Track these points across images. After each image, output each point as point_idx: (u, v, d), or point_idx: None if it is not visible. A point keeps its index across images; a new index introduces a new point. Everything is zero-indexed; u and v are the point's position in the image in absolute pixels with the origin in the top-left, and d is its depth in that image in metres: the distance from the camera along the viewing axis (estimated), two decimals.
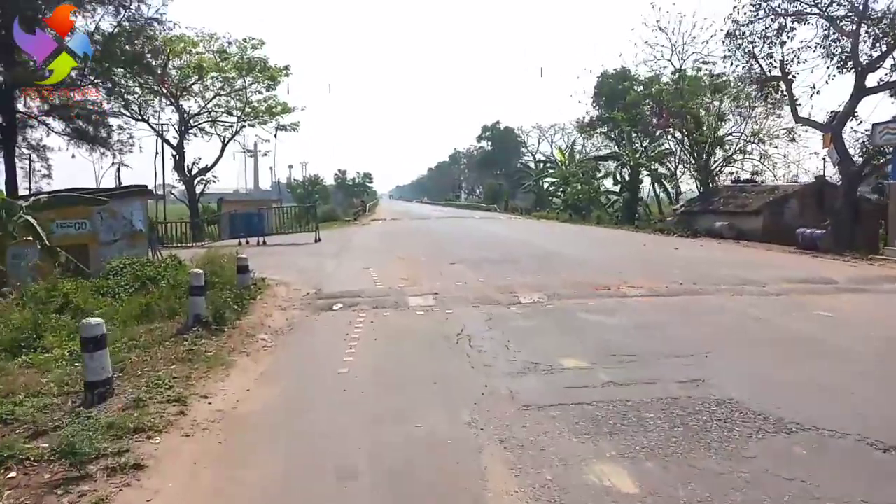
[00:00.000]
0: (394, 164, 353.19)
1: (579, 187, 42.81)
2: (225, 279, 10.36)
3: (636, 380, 6.18)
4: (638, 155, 37.42)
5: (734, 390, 5.79)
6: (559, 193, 51.01)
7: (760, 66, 22.80)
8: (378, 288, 11.62)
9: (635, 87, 61.14)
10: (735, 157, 32.14)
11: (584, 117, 65.76)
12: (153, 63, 28.99)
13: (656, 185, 37.78)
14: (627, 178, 37.40)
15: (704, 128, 31.38)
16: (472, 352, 7.33)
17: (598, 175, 45.91)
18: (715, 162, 32.32)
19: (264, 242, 24.15)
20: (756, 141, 31.26)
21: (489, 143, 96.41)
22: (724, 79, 30.18)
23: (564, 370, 6.58)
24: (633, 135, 39.82)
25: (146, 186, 15.35)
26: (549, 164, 55.82)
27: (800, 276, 12.82)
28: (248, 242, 24.46)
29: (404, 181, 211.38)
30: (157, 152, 41.43)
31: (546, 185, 56.53)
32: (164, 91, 34.36)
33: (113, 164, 37.47)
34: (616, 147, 50.75)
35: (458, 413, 5.38)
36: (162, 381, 6.11)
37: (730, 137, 31.79)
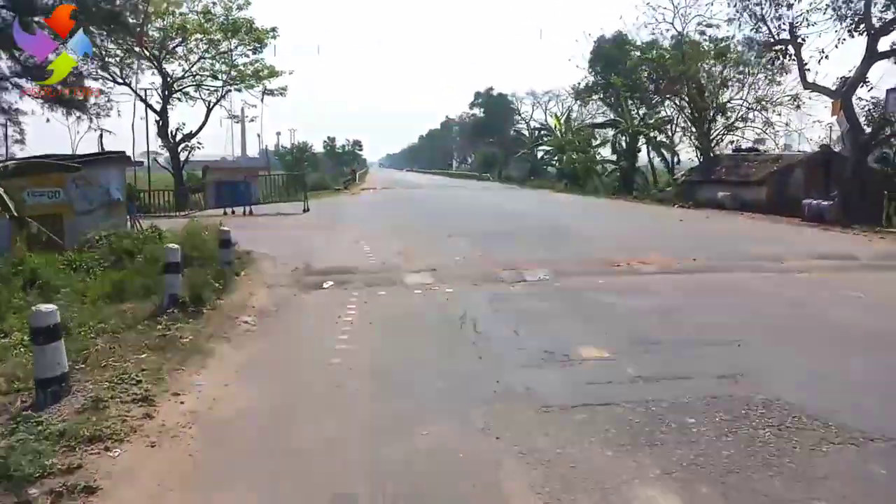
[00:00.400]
0: (384, 132, 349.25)
1: (575, 156, 41.88)
2: (206, 254, 9.52)
3: (667, 374, 5.47)
4: (636, 122, 36.47)
5: (780, 387, 5.09)
6: (554, 162, 50.10)
7: (769, 28, 21.86)
8: (371, 263, 10.84)
9: (633, 53, 60.10)
10: (737, 124, 31.22)
11: (579, 83, 64.87)
12: (132, 22, 27.49)
13: (654, 153, 36.89)
14: (625, 146, 36.53)
15: (706, 94, 30.41)
16: (479, 339, 6.60)
17: (594, 143, 44.90)
18: (716, 130, 31.44)
19: (251, 212, 23.23)
20: (759, 108, 30.34)
21: (482, 110, 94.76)
22: (727, 43, 29.22)
23: (584, 361, 5.87)
24: (631, 102, 38.78)
25: (124, 153, 14.38)
26: (544, 132, 54.69)
27: (818, 251, 12.14)
28: (233, 213, 23.52)
29: (395, 149, 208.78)
30: (141, 118, 39.89)
31: (540, 154, 55.54)
32: (144, 52, 32.81)
33: (90, 128, 35.67)
34: (613, 114, 49.84)
35: (469, 417, 4.65)
36: (128, 374, 5.33)
37: (731, 105, 30.82)
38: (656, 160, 37.61)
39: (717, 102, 30.65)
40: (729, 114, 31.30)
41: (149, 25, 34.90)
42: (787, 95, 27.79)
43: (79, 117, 28.11)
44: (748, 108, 31.29)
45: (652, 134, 35.49)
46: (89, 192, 13.82)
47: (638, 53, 50.72)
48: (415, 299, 8.36)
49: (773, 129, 29.84)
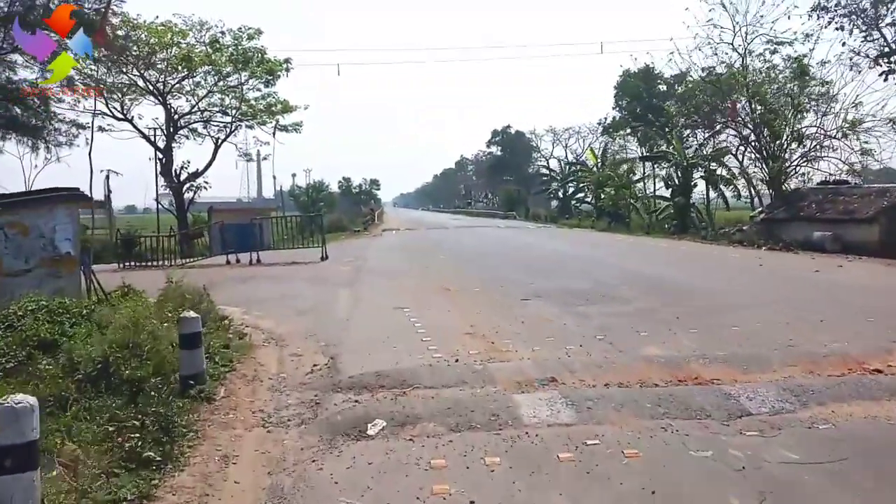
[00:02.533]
0: (397, 171, 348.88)
1: (613, 192, 37.85)
2: (156, 362, 5.42)
3: None
4: (691, 154, 32.44)
5: None
6: (588, 199, 46.15)
7: (883, 35, 17.83)
8: (437, 360, 6.65)
9: (660, 86, 56.92)
10: (815, 153, 27.05)
11: (605, 118, 61.68)
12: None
13: (712, 189, 32.66)
14: (678, 180, 32.38)
15: (780, 120, 26.39)
16: None
17: (635, 178, 40.90)
18: (791, 161, 27.30)
19: (258, 260, 19.26)
20: (841, 135, 26.17)
21: (499, 147, 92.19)
22: (806, 61, 25.32)
23: None
24: (673, 133, 34.88)
25: (78, 190, 10.52)
26: (577, 168, 50.68)
27: None
28: (237, 261, 19.57)
29: (408, 189, 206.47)
30: (150, 158, 36.30)
31: (571, 191, 51.63)
32: (113, 57, 28.50)
33: (48, 160, 28.78)
34: (643, 149, 45.81)
35: None
36: None
37: (811, 130, 26.73)
38: (713, 195, 33.39)
39: (793, 129, 26.58)
40: (806, 142, 27.19)
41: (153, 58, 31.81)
42: (888, 118, 23.52)
43: (33, 146, 23.39)
44: (825, 135, 27.14)
45: (711, 166, 31.35)
46: (24, 243, 9.93)
47: (664, 88, 47.40)
48: (567, 478, 4.06)
49: (872, 156, 25.53)
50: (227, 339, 7.76)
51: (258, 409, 5.33)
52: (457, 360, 6.57)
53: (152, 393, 4.82)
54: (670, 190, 32.93)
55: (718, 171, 31.60)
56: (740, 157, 30.22)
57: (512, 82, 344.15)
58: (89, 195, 10.74)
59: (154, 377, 5.09)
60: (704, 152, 32.65)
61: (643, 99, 59.63)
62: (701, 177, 32.11)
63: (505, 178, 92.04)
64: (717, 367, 6.03)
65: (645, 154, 39.02)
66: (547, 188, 57.99)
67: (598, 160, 43.68)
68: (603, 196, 38.52)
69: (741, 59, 28.29)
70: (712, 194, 33.82)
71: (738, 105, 28.11)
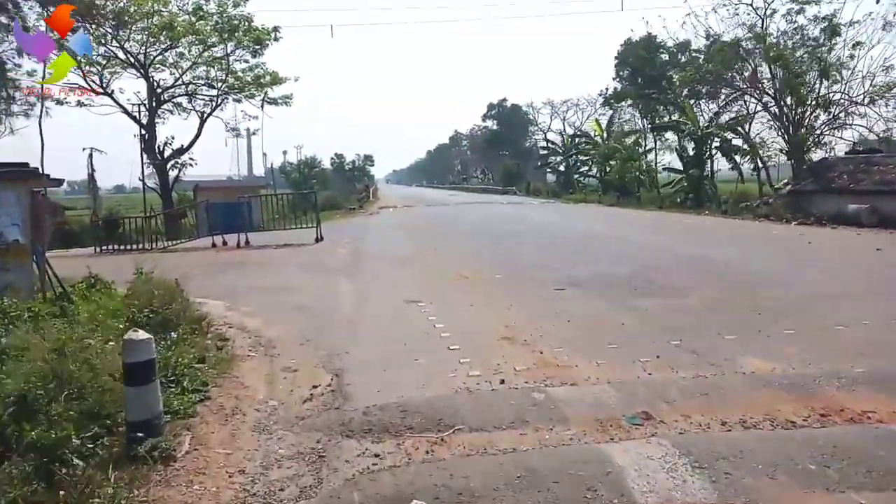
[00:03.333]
0: (389, 147, 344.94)
1: (616, 164, 36.13)
2: (96, 399, 3.80)
3: None
4: (707, 124, 30.70)
5: None
6: (592, 173, 44.45)
7: None
8: (475, 379, 5.07)
9: (661, 55, 54.83)
10: (840, 120, 25.32)
11: (606, 89, 59.61)
12: None
13: (726, 159, 30.90)
14: (692, 152, 30.68)
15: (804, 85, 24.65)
16: None
17: (640, 150, 39.11)
18: (816, 129, 25.58)
19: (247, 242, 17.59)
20: (869, 100, 24.44)
21: (495, 121, 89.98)
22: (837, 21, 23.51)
23: None
24: (685, 103, 33.04)
25: (27, 166, 8.78)
26: (582, 140, 48.69)
27: None
28: (224, 244, 17.88)
29: (400, 165, 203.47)
30: (135, 135, 34.25)
31: (574, 164, 49.79)
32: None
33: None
34: (642, 120, 43.87)
35: None
36: None
37: (836, 97, 24.97)
38: (727, 166, 31.65)
39: (818, 95, 24.87)
40: (831, 108, 25.47)
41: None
42: None
43: None
44: (851, 101, 25.42)
45: (727, 136, 29.62)
46: None
47: (666, 56, 45.47)
48: None
49: None
50: (203, 348, 6.15)
51: (237, 471, 3.72)
52: (503, 382, 4.97)
53: (75, 460, 3.21)
54: (683, 162, 31.24)
55: (735, 142, 29.93)
56: (747, 127, 28.47)
57: (507, 55, 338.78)
58: (41, 171, 8.95)
59: (89, 426, 3.49)
60: (720, 121, 30.87)
61: (643, 70, 57.55)
62: (716, 147, 30.36)
63: (501, 153, 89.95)
64: (862, 393, 4.45)
65: (656, 124, 37.02)
66: (546, 162, 56.07)
67: (604, 132, 41.80)
68: (609, 169, 36.82)
69: (761, 20, 26.48)
70: (724, 165, 32.14)
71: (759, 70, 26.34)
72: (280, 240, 17.55)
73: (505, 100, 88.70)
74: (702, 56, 30.89)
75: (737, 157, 30.04)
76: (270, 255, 15.07)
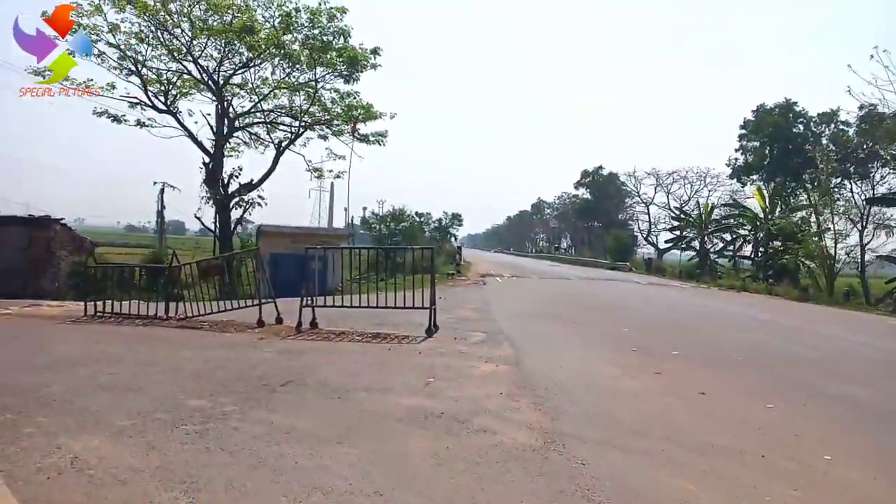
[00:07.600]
0: (465, 211, 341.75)
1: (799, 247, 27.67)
2: None
3: None
4: None
5: None
6: (745, 252, 35.80)
7: None
8: None
9: (799, 123, 46.84)
10: None
11: (735, 160, 51.96)
12: None
13: None
14: None
15: None
16: None
17: (813, 230, 30.54)
18: None
19: (314, 323, 10.26)
20: None
21: (587, 189, 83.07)
22: None
23: None
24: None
25: None
26: (738, 212, 40.09)
27: None
28: (280, 320, 10.62)
29: (475, 230, 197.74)
30: (200, 167, 28.62)
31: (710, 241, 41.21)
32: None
33: None
34: (776, 199, 35.27)
35: None
36: None
37: None
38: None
39: None
40: None
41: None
42: None
43: None
44: None
45: None
46: None
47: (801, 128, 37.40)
48: None
49: None
50: None
51: None
52: None
53: None
54: None
55: None
56: None
57: (597, 122, 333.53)
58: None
59: None
60: None
61: (777, 141, 49.61)
62: None
63: (596, 224, 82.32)
64: None
65: (874, 197, 28.34)
66: (681, 237, 47.45)
67: (766, 204, 33.23)
68: (785, 251, 28.21)
69: None
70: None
71: None
72: (368, 319, 10.17)
73: (601, 167, 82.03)
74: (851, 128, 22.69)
75: None
76: (347, 362, 7.61)
